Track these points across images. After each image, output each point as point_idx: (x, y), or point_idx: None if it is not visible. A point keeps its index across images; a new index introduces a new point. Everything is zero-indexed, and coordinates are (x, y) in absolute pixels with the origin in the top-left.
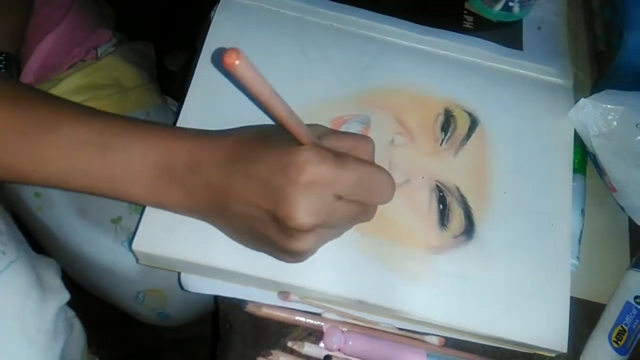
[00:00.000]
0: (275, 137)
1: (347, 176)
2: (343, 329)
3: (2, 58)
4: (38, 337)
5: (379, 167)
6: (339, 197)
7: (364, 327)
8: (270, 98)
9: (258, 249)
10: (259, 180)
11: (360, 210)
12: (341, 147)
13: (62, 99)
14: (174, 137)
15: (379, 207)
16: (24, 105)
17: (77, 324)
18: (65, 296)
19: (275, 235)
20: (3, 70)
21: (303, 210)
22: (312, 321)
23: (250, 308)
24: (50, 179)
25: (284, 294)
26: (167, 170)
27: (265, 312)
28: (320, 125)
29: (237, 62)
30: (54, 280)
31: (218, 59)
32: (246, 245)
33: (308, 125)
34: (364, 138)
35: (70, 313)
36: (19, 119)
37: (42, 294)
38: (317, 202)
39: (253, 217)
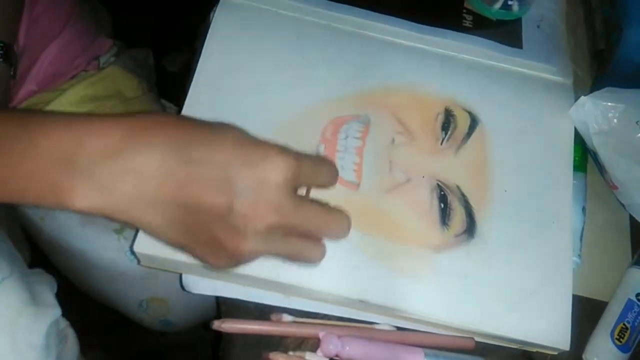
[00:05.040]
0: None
1: (309, 170)
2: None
3: (1, 45)
4: (29, 354)
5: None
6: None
7: (360, 328)
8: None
9: (183, 248)
10: (211, 169)
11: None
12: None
13: None
14: (78, 124)
15: (380, 207)
16: None
17: (71, 334)
18: (58, 312)
19: (220, 230)
20: (1, 60)
21: (267, 207)
22: (295, 329)
23: (217, 325)
24: None
25: (276, 316)
26: (68, 162)
27: (235, 327)
28: None
29: (222, 325)
30: (47, 297)
31: None
32: (168, 243)
33: None
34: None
35: (64, 324)
36: None
37: (36, 310)
38: (282, 201)
39: (193, 209)
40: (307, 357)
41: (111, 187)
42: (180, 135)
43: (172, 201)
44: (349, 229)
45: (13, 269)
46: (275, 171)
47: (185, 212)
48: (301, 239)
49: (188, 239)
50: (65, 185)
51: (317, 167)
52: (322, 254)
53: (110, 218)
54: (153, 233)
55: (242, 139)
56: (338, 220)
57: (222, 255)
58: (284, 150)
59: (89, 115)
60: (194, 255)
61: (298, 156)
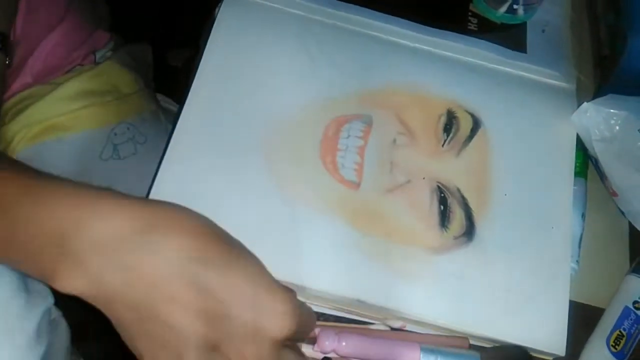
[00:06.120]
0: (242, 251)
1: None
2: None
3: None
4: (22, 341)
5: None
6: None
7: (356, 328)
8: None
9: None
10: (211, 300)
11: None
12: None
13: None
14: (85, 200)
15: (380, 207)
16: None
17: (63, 324)
18: (50, 300)
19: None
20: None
21: (252, 357)
22: None
23: None
24: None
25: None
26: (63, 242)
27: None
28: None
29: None
30: (40, 285)
31: None
32: (127, 343)
33: None
34: None
35: (56, 313)
36: None
37: (28, 298)
38: (270, 355)
39: (173, 330)
40: (303, 349)
41: (99, 279)
42: (196, 249)
43: (154, 314)
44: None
45: None
46: (276, 326)
47: (162, 329)
48: None
49: (149, 354)
50: (50, 268)
51: (309, 325)
52: None
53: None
54: (120, 331)
55: (256, 280)
56: None
57: None
58: (291, 305)
59: (100, 192)
60: None
61: (301, 314)
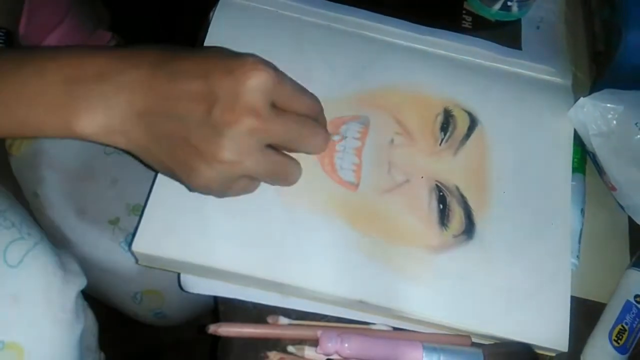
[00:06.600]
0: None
1: (288, 87)
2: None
3: (2, 34)
4: (62, 316)
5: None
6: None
7: (358, 329)
8: (270, 334)
9: (167, 171)
10: (192, 80)
11: (297, 129)
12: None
13: None
14: (79, 51)
15: (379, 207)
16: None
17: (90, 313)
18: (84, 281)
19: (198, 139)
20: (4, 46)
21: (246, 109)
22: (292, 332)
23: (212, 329)
24: None
25: (273, 318)
26: (71, 83)
27: (231, 331)
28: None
29: (218, 329)
30: (74, 265)
31: None
32: (155, 166)
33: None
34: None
35: (85, 302)
36: None
37: (65, 275)
38: (260, 105)
39: (174, 119)
40: (306, 351)
41: (107, 105)
42: (166, 55)
43: (157, 113)
44: (327, 142)
45: (42, 236)
46: (254, 77)
47: (166, 123)
48: (281, 154)
49: (170, 157)
50: (70, 105)
51: (298, 93)
52: (300, 173)
53: (107, 142)
54: (142, 154)
55: (223, 52)
56: (318, 132)
57: (202, 170)
58: (264, 61)
59: (88, 45)
60: (178, 177)
61: (279, 71)
